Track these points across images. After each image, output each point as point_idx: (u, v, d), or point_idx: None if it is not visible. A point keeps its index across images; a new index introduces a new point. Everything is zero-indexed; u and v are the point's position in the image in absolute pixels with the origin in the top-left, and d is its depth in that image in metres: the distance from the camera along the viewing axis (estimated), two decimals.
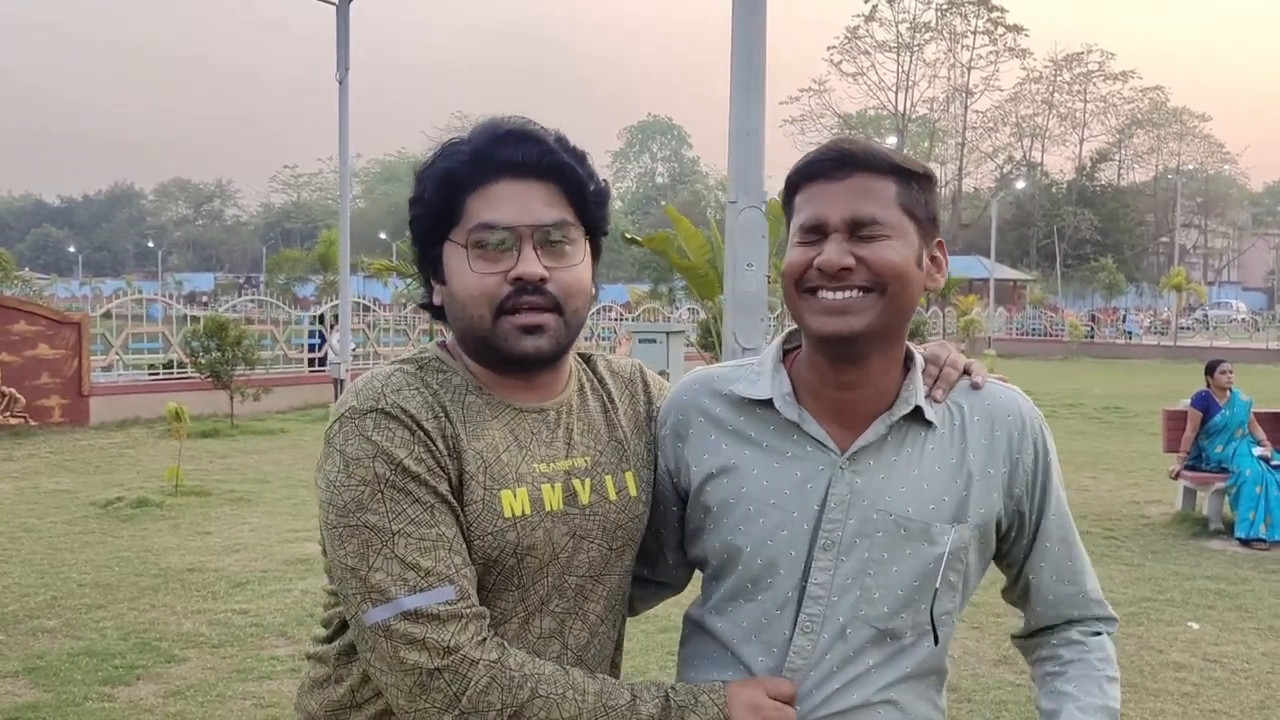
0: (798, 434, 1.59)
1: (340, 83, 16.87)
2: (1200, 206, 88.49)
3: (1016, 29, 77.60)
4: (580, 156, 1.60)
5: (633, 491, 1.66)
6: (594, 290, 1.63)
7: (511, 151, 1.54)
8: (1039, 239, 73.47)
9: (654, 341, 13.95)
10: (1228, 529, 8.83)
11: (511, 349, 1.53)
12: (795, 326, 1.66)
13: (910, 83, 79.94)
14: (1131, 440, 14.78)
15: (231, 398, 14.87)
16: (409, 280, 21.74)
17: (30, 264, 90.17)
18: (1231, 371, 9.40)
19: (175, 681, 5.28)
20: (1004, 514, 1.62)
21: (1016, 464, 1.61)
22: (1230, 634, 6.22)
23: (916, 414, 1.58)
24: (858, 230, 1.51)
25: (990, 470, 1.60)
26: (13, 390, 14.54)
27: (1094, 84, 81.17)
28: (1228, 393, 9.30)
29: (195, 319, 17.45)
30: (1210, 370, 9.43)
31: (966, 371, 1.67)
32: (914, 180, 1.56)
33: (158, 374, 17.57)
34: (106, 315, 18.24)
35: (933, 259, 1.58)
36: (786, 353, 1.67)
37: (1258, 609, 6.76)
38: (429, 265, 1.62)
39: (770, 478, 1.58)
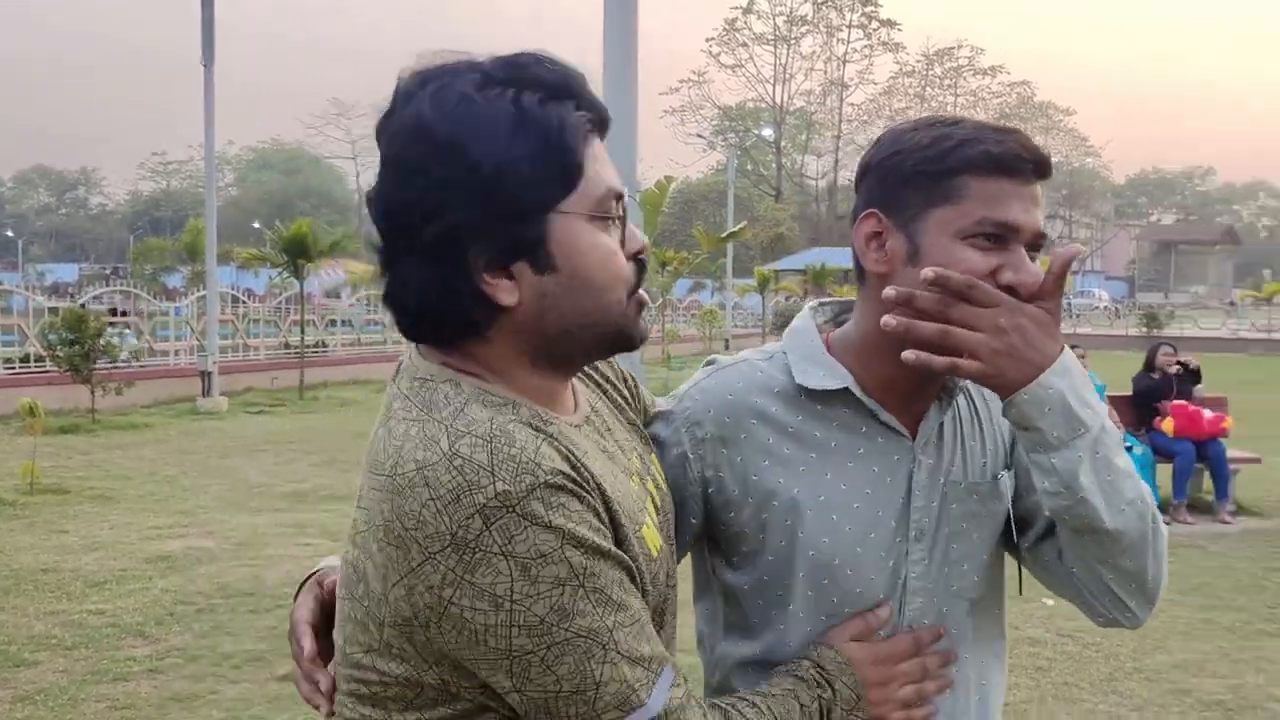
0: (868, 425, 1.46)
1: (206, 68, 16.45)
2: (1065, 198, 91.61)
3: (890, 24, 79.36)
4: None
5: (667, 478, 1.46)
6: None
7: (595, 101, 1.24)
8: None
9: None
10: None
11: (641, 332, 1.28)
12: (818, 303, 1.58)
13: (787, 75, 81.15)
14: None
15: (93, 392, 14.35)
16: (280, 270, 21.25)
17: None
18: (1084, 356, 9.74)
19: (24, 686, 5.08)
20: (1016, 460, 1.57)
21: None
22: None
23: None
24: (1031, 247, 1.37)
25: (1002, 418, 1.53)
26: None
27: (964, 78, 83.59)
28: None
29: (54, 310, 16.78)
30: None
31: None
32: None
33: (14, 368, 16.85)
34: None
35: None
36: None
37: None
38: (498, 250, 1.19)
39: (848, 479, 1.44)
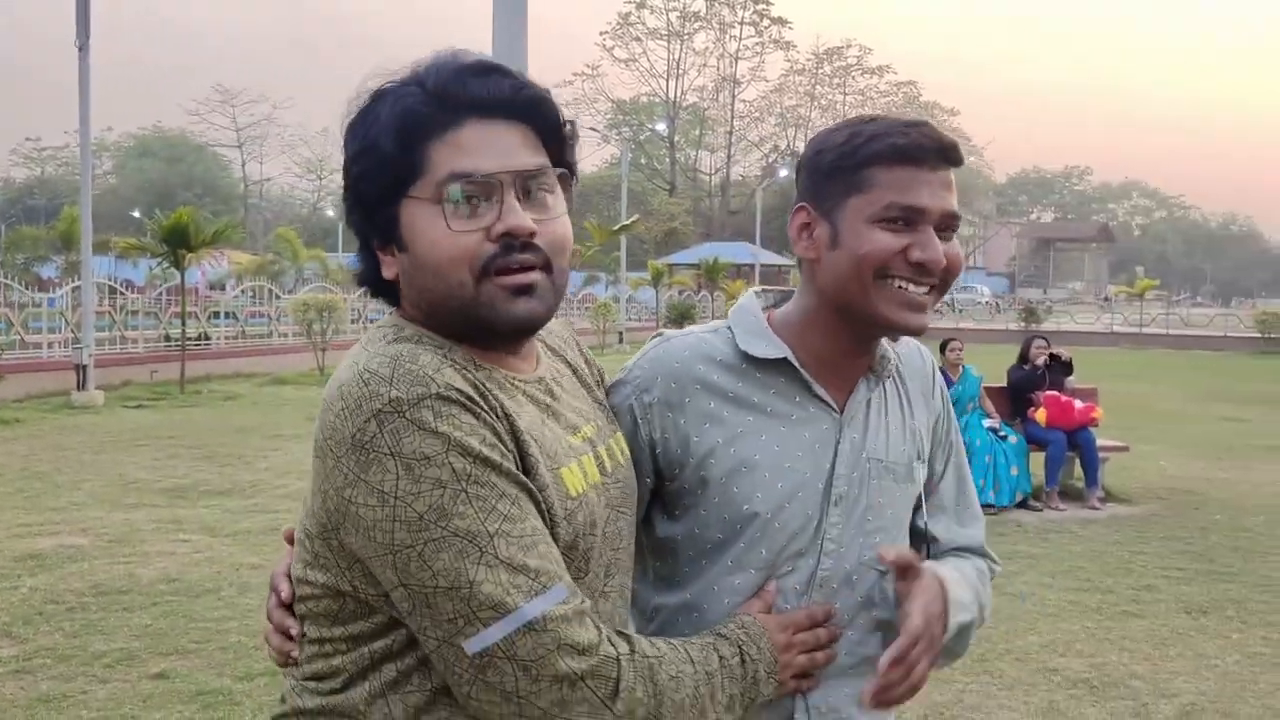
0: (801, 395, 1.60)
1: (80, 50, 15.89)
2: None
3: (781, 22, 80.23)
4: (548, 91, 1.40)
5: (627, 451, 1.55)
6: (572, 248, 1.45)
7: (480, 87, 1.32)
8: None
9: None
10: None
11: (502, 315, 1.32)
12: (760, 289, 1.72)
13: (681, 71, 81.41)
14: None
15: None
16: (160, 261, 20.65)
17: None
18: (961, 349, 10.03)
19: None
20: (931, 456, 1.74)
21: (932, 405, 1.74)
22: None
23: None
24: (943, 228, 1.51)
25: (926, 415, 1.72)
26: None
27: (853, 77, 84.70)
28: (959, 369, 9.92)
29: None
30: (942, 348, 10.04)
31: None
32: None
33: None
34: None
35: None
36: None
37: None
38: (376, 231, 1.36)
39: (781, 443, 1.58)
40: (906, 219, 1.49)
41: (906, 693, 1.49)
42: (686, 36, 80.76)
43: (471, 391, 1.27)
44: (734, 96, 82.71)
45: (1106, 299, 52.45)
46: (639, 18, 79.51)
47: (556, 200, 1.39)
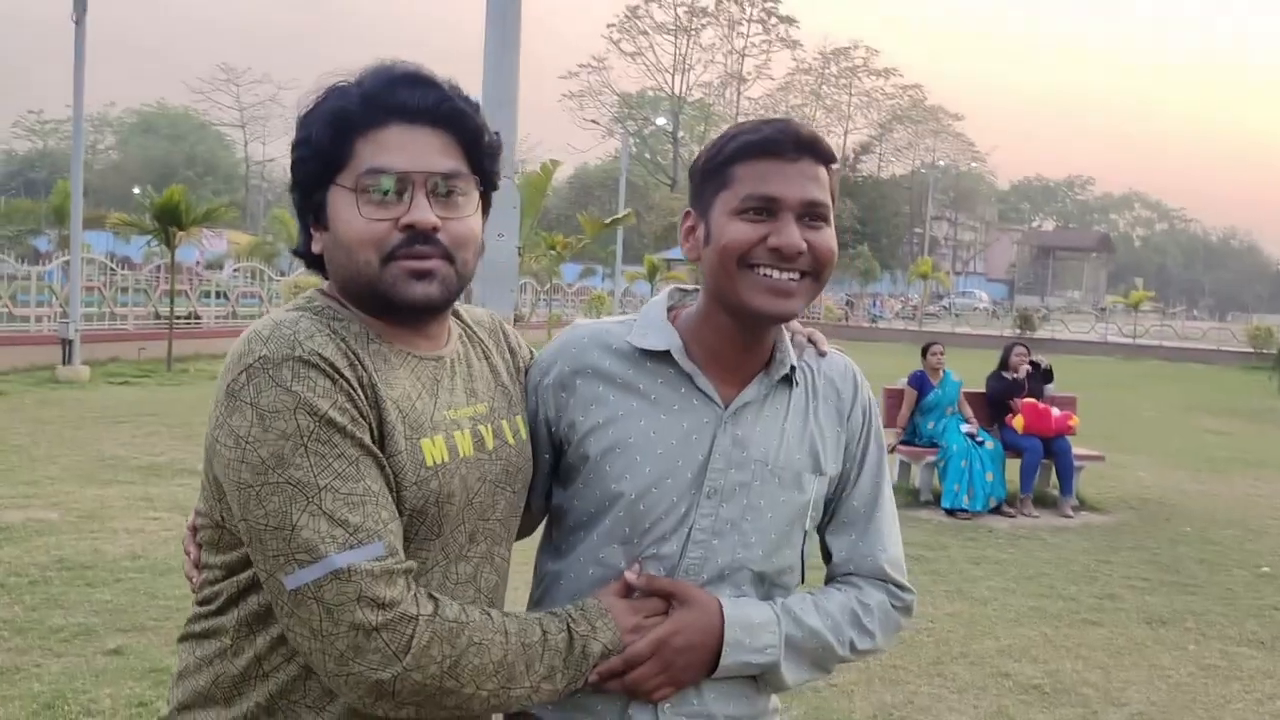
0: (686, 387, 1.66)
1: (77, 23, 15.87)
2: (952, 201, 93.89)
3: (789, 20, 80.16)
4: (475, 106, 1.57)
5: (524, 435, 1.69)
6: (483, 246, 1.61)
7: (407, 95, 1.50)
8: None
9: None
10: (936, 500, 9.46)
11: (400, 294, 1.49)
12: (675, 287, 1.79)
13: (687, 66, 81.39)
14: None
15: None
16: (151, 238, 20.63)
17: None
18: (942, 353, 10.05)
19: None
20: (837, 474, 1.76)
21: (848, 425, 1.77)
22: (921, 596, 6.56)
23: (786, 373, 1.71)
24: (805, 215, 1.58)
25: (837, 429, 1.76)
26: None
27: (859, 78, 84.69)
28: (940, 373, 9.93)
29: None
30: (924, 352, 10.06)
31: (811, 340, 1.81)
32: (832, 167, 1.64)
33: None
34: None
35: None
36: (668, 310, 1.75)
37: (950, 573, 7.27)
38: (310, 211, 1.55)
39: (657, 428, 1.64)
40: (765, 208, 1.57)
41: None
42: (694, 32, 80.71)
43: (340, 360, 1.43)
44: (739, 93, 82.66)
45: (1103, 309, 52.43)
46: (647, 11, 79.44)
47: (468, 201, 1.55)
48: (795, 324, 1.78)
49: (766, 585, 1.70)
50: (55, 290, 19.57)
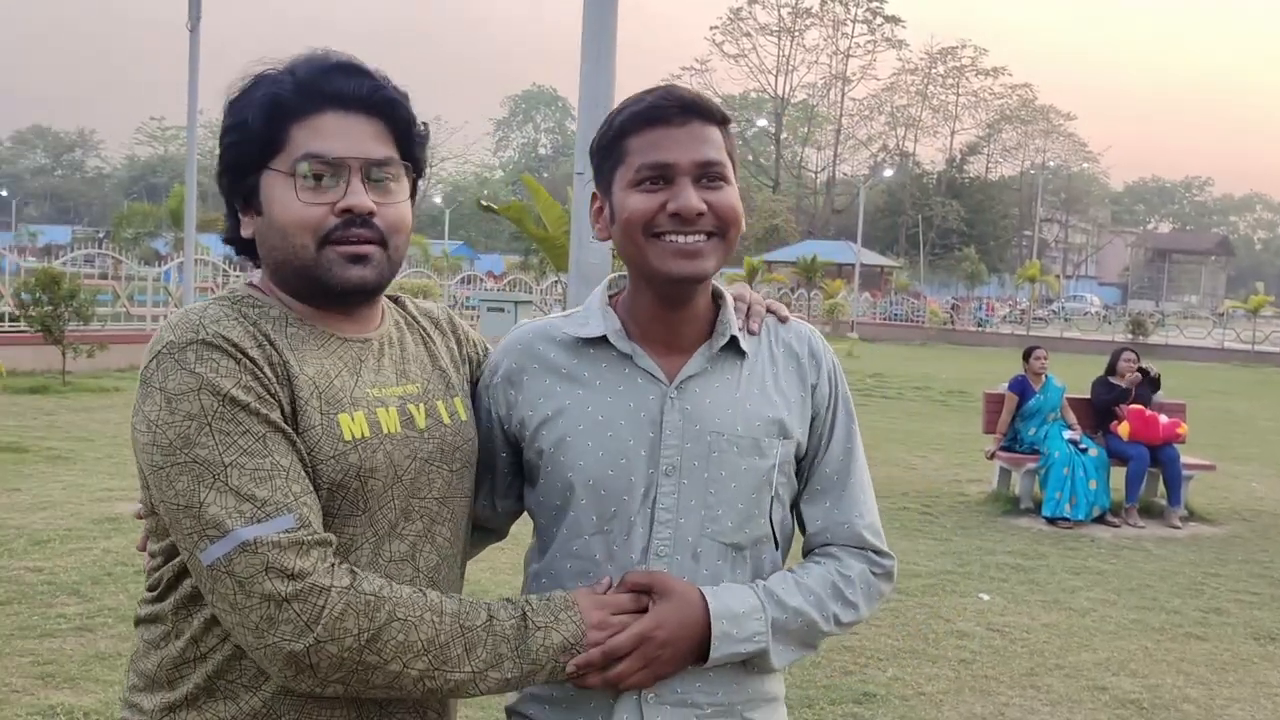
0: (629, 368, 1.67)
1: (191, 31, 16.37)
2: (1062, 202, 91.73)
3: (894, 20, 79.12)
4: (406, 95, 1.60)
5: (463, 416, 1.70)
6: (410, 231, 1.64)
7: (343, 83, 1.53)
8: (908, 227, 75.24)
9: (502, 310, 14.02)
10: (1037, 508, 9.23)
11: (335, 277, 1.52)
12: (617, 274, 1.78)
13: (790, 67, 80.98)
14: (968, 422, 15.23)
15: (64, 353, 14.33)
16: None
17: None
18: (1045, 358, 9.80)
19: None
20: (805, 440, 1.74)
21: (813, 390, 1.75)
22: (1017, 605, 6.52)
23: (732, 344, 1.70)
24: (702, 176, 1.59)
25: (800, 395, 1.74)
26: None
27: (966, 78, 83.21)
28: (1042, 378, 9.69)
29: (31, 271, 16.73)
30: (1026, 356, 9.82)
31: (771, 310, 1.81)
32: (727, 127, 1.65)
33: None
34: None
35: None
36: (610, 298, 1.76)
37: (1048, 583, 7.09)
38: (241, 195, 1.57)
39: (605, 412, 1.65)
40: (660, 176, 1.59)
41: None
42: (798, 33, 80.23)
43: (245, 341, 1.46)
44: (843, 94, 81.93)
45: (1220, 314, 50.69)
46: (750, 13, 79.19)
47: (400, 188, 1.59)
48: (754, 295, 1.80)
49: (741, 558, 1.68)
50: (171, 291, 20.22)
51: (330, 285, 1.53)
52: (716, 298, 1.73)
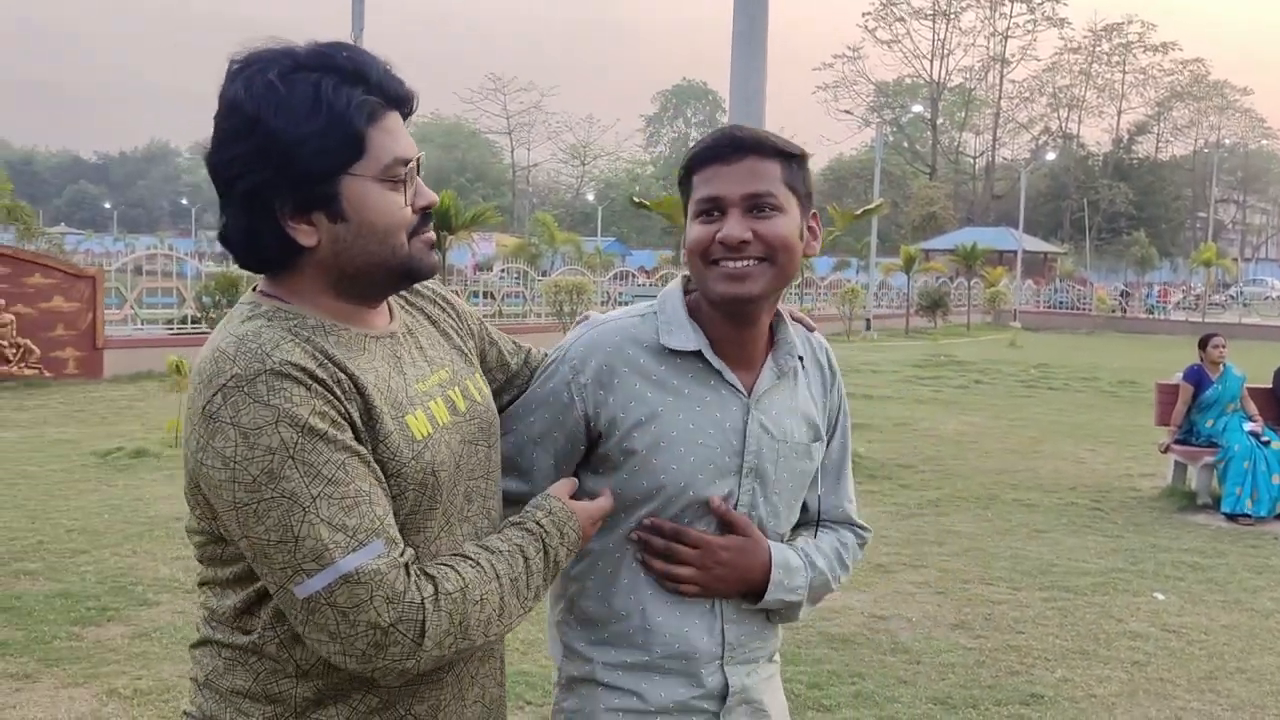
0: (715, 379, 1.82)
1: (356, 39, 16.94)
2: (1240, 182, 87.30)
3: None
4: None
5: (486, 390, 1.78)
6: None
7: (398, 84, 1.57)
8: (1073, 211, 72.70)
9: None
10: (1215, 503, 8.82)
11: (425, 265, 1.61)
12: (685, 274, 1.93)
13: (946, 51, 79.17)
14: (1139, 414, 14.64)
15: None
16: None
17: (66, 220, 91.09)
18: (1224, 346, 9.35)
19: (144, 623, 5.42)
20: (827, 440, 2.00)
21: (830, 395, 2.00)
22: (1195, 605, 6.25)
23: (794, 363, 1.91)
24: (752, 207, 1.74)
25: (824, 400, 1.97)
26: (27, 341, 14.73)
27: (1133, 55, 79.97)
28: (1220, 367, 9.25)
29: (211, 275, 17.63)
30: (1203, 344, 9.39)
31: (798, 320, 1.99)
32: (794, 161, 1.79)
33: (172, 328, 17.77)
34: (129, 270, 18.38)
35: (809, 229, 1.84)
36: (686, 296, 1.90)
37: (1228, 582, 6.77)
38: (310, 203, 1.50)
39: (695, 420, 1.80)
40: (715, 208, 1.76)
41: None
42: (953, 15, 78.36)
43: (310, 363, 1.45)
44: (1002, 77, 79.74)
45: None
46: None
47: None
48: (789, 308, 1.95)
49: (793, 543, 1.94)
50: None
51: (421, 273, 1.62)
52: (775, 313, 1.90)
